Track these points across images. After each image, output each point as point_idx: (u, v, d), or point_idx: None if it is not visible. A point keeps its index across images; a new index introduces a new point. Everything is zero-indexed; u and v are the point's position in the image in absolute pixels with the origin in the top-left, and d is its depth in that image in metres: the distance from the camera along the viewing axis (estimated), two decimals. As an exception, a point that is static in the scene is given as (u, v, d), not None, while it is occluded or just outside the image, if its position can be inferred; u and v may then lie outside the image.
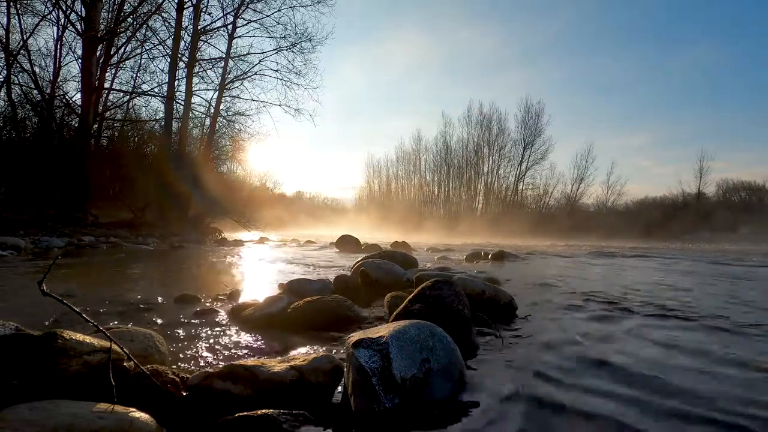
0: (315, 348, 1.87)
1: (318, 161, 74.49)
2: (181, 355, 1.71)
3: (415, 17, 72.46)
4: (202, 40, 17.13)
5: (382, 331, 1.38)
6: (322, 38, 22.37)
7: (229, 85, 18.20)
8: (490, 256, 7.94)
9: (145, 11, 15.01)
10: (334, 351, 1.78)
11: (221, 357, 1.72)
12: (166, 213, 14.92)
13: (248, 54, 18.28)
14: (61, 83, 16.32)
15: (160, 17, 16.00)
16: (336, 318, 2.28)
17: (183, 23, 15.83)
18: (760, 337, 2.13)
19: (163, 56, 16.98)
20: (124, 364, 1.27)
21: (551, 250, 12.91)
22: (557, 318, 2.56)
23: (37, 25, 14.39)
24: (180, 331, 2.07)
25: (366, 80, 73.18)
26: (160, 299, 2.86)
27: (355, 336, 1.37)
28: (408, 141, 61.14)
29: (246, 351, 1.81)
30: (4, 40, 13.75)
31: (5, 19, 14.18)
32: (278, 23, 17.74)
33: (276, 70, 18.38)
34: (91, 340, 1.26)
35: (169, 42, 16.15)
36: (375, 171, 50.87)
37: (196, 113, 18.35)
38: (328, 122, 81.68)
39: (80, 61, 13.47)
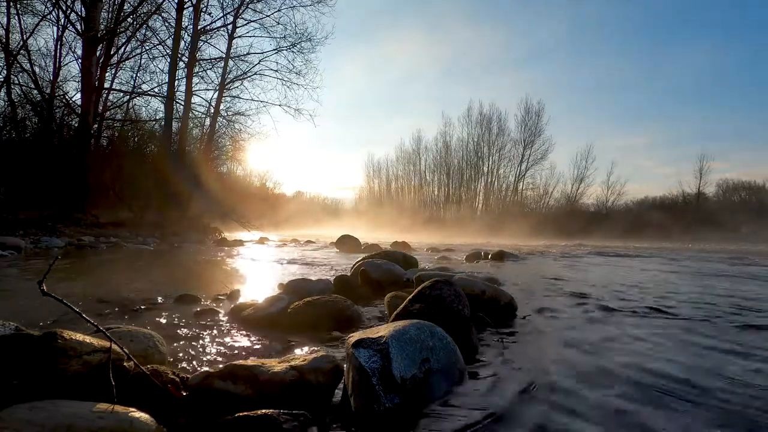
0: (315, 348, 1.87)
1: (318, 161, 74.51)
2: (181, 355, 1.71)
3: (415, 17, 72.52)
4: (202, 40, 17.15)
5: (382, 331, 1.38)
6: (322, 38, 22.34)
7: (229, 85, 18.22)
8: (490, 256, 7.94)
9: (145, 11, 15.01)
10: (334, 351, 1.78)
11: (221, 357, 1.72)
12: (166, 213, 14.91)
13: (248, 54, 18.31)
14: (61, 83, 16.31)
15: (160, 17, 16.01)
16: (336, 318, 2.28)
17: (183, 23, 15.84)
18: (758, 337, 2.13)
19: (163, 56, 16.98)
20: (124, 364, 1.27)
21: (551, 250, 12.91)
22: (557, 318, 2.56)
23: (37, 25, 14.36)
24: (180, 331, 2.07)
25: (366, 80, 73.21)
26: (160, 299, 2.86)
27: (355, 336, 1.37)
28: (408, 141, 61.20)
29: (246, 351, 1.81)
30: (4, 40, 13.71)
31: (5, 19, 14.15)
32: (278, 23, 17.76)
33: (276, 70, 18.41)
34: (91, 340, 1.26)
35: (169, 42, 16.16)
36: (375, 171, 50.96)
37: (196, 113, 18.37)
38: (328, 122, 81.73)
39: (80, 61, 13.45)
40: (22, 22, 14.05)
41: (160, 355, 1.54)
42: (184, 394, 1.24)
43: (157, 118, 17.98)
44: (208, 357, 1.71)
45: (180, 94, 16.23)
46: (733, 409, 1.27)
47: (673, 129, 57.29)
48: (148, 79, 20.09)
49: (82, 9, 12.83)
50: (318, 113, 21.80)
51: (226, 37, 17.59)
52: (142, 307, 2.62)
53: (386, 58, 71.94)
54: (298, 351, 1.82)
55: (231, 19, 17.50)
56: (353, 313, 2.37)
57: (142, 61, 17.75)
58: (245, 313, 2.36)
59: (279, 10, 17.61)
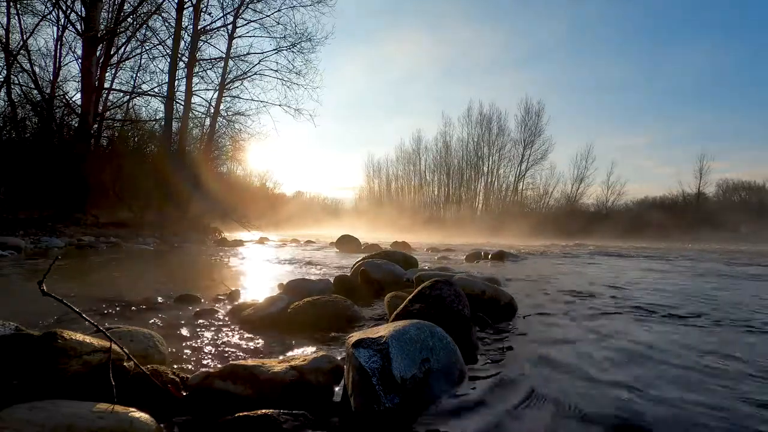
0: (315, 348, 1.87)
1: (318, 161, 74.50)
2: (181, 355, 1.71)
3: (415, 17, 72.45)
4: (202, 40, 17.14)
5: (382, 331, 1.38)
6: (322, 38, 22.28)
7: (229, 85, 18.20)
8: (490, 256, 7.94)
9: (145, 11, 14.99)
10: (334, 351, 1.78)
11: (221, 357, 1.72)
12: (166, 213, 14.91)
13: (248, 54, 18.29)
14: (61, 83, 16.28)
15: (160, 17, 15.99)
16: (336, 318, 2.28)
17: (183, 23, 15.83)
18: (754, 337, 2.13)
19: (163, 56, 16.96)
20: (124, 364, 1.27)
21: (551, 250, 12.91)
22: (557, 318, 2.56)
23: (37, 25, 14.34)
24: (180, 331, 2.07)
25: (366, 80, 73.10)
26: (160, 299, 2.86)
27: (355, 336, 1.37)
28: (408, 141, 61.12)
29: (246, 351, 1.81)
30: (4, 40, 13.69)
31: (5, 19, 14.13)
32: (278, 23, 17.74)
33: (276, 70, 18.39)
34: (91, 340, 1.26)
35: (169, 42, 16.15)
36: (375, 171, 50.92)
37: (196, 113, 18.36)
38: (328, 122, 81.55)
39: (80, 61, 13.44)
40: (22, 22, 14.05)
41: (160, 355, 1.54)
42: (184, 394, 1.24)
43: (157, 118, 17.98)
44: (208, 357, 1.71)
45: (180, 94, 16.24)
46: (729, 417, 1.27)
47: (673, 129, 57.36)
48: (148, 79, 20.09)
49: (82, 9, 12.83)
50: (318, 113, 21.77)
51: (226, 37, 17.60)
52: (142, 307, 2.62)
53: (386, 58, 71.92)
54: (298, 351, 1.82)
55: (231, 19, 17.50)
56: (353, 313, 2.37)
57: (142, 61, 17.75)
58: (245, 313, 2.36)
59: (279, 10, 17.61)
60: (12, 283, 3.63)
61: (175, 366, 1.54)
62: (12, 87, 13.75)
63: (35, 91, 14.21)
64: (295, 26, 18.49)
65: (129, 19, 14.92)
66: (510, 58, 67.55)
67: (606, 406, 1.27)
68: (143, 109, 19.69)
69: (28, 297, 2.85)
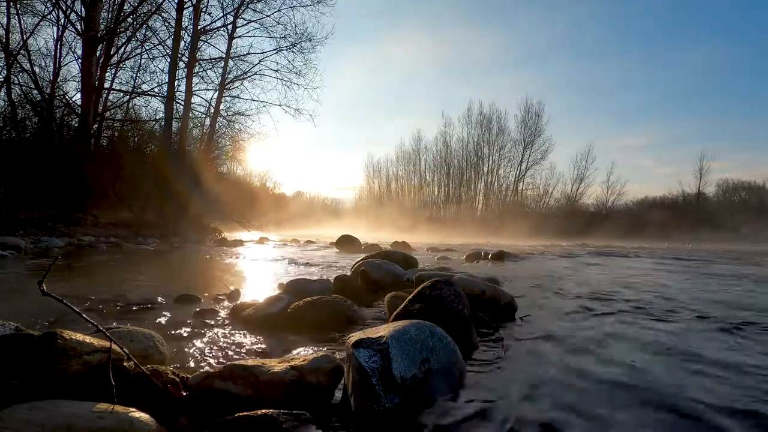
0: (315, 348, 1.87)
1: (318, 161, 74.50)
2: (181, 355, 1.71)
3: (415, 17, 72.43)
4: (202, 40, 17.11)
5: (382, 331, 1.38)
6: (322, 38, 22.21)
7: (229, 85, 18.17)
8: (490, 256, 7.94)
9: (145, 11, 14.99)
10: (334, 351, 1.78)
11: (221, 357, 1.72)
12: (166, 213, 14.91)
13: (248, 54, 18.25)
14: (61, 83, 16.26)
15: (160, 17, 15.98)
16: (336, 318, 2.28)
17: (183, 23, 15.80)
18: (753, 337, 2.13)
19: (163, 56, 16.94)
20: (124, 364, 1.27)
21: (551, 250, 12.91)
22: (557, 318, 2.56)
23: (37, 25, 14.33)
24: (180, 331, 2.07)
25: (366, 80, 73.03)
26: (160, 299, 2.86)
27: (355, 336, 1.37)
28: (408, 141, 61.01)
29: (246, 351, 1.81)
30: (4, 40, 13.69)
31: (5, 19, 14.12)
32: (278, 23, 17.71)
33: (276, 70, 18.36)
34: (91, 340, 1.26)
35: (169, 42, 16.13)
36: (375, 171, 50.89)
37: (196, 113, 18.33)
38: (328, 122, 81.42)
39: (80, 61, 13.44)
40: (22, 22, 14.03)
41: (160, 355, 1.54)
42: (184, 394, 1.24)
43: (157, 118, 17.95)
44: (208, 357, 1.71)
45: (180, 94, 16.21)
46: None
47: (673, 129, 57.37)
48: (148, 79, 20.06)
49: (82, 9, 12.82)
50: (318, 113, 21.68)
51: (226, 37, 17.57)
52: (142, 307, 2.62)
53: (386, 58, 71.87)
54: (298, 351, 1.82)
55: (231, 19, 17.47)
56: (353, 313, 2.37)
57: (142, 61, 17.73)
58: (245, 313, 2.36)
59: (279, 10, 17.58)
60: (12, 283, 3.63)
61: (175, 366, 1.54)
62: (12, 87, 13.74)
63: (35, 91, 14.21)
64: (295, 26, 18.45)
65: (129, 19, 14.92)
66: (510, 58, 67.56)
67: (605, 406, 1.27)
68: (143, 109, 19.69)
69: (28, 297, 2.85)
